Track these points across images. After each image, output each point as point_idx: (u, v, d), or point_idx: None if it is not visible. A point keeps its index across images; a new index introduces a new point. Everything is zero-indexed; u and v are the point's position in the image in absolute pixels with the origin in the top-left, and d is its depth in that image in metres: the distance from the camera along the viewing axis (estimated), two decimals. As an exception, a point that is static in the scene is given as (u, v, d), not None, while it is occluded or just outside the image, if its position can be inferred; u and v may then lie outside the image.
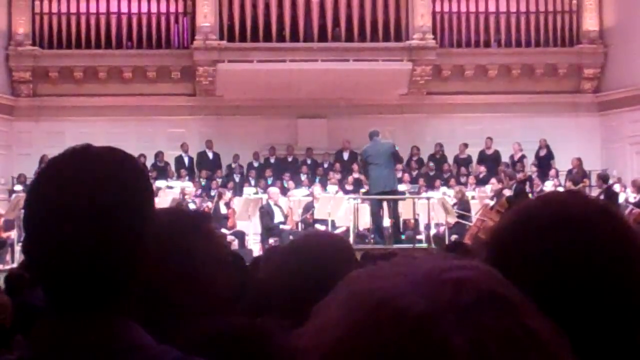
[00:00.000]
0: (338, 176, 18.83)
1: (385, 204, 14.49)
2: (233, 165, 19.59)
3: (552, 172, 18.74)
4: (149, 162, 19.04)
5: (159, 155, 19.31)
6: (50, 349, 1.26)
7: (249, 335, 2.37)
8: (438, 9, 20.37)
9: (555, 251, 1.22)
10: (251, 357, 1.81)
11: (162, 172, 18.93)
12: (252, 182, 18.76)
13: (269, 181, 18.69)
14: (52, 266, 1.28)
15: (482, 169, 19.17)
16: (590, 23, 20.50)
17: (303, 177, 18.88)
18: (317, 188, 16.97)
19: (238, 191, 17.83)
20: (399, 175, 17.20)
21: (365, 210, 15.14)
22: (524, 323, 0.72)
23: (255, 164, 19.66)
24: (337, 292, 0.76)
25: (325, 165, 19.74)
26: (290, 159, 20.00)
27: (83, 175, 1.30)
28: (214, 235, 1.92)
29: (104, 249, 1.27)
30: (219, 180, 18.66)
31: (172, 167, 19.36)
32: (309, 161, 19.90)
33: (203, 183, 18.50)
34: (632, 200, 15.90)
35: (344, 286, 0.76)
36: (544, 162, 19.37)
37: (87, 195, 1.28)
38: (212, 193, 17.91)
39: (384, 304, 0.71)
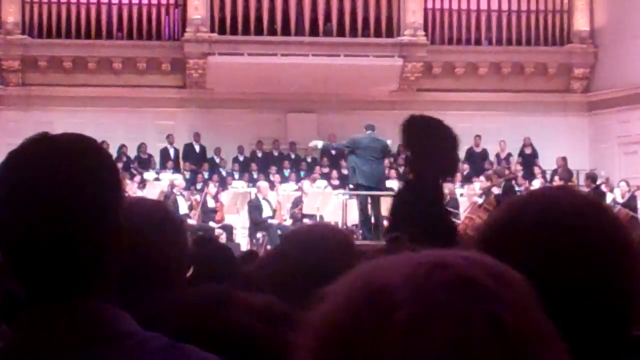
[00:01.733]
0: (326, 170, 18.80)
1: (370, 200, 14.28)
2: (216, 159, 19.53)
3: (537, 171, 18.80)
4: (131, 154, 19.00)
5: (141, 147, 19.24)
6: (35, 338, 1.25)
7: (209, 299, 2.39)
8: (430, 5, 20.38)
9: (545, 245, 1.21)
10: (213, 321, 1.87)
11: (145, 164, 18.86)
12: (237, 176, 18.70)
13: (255, 175, 18.66)
14: (25, 256, 1.27)
15: (466, 166, 19.21)
16: (581, 23, 20.55)
17: (286, 172, 18.86)
18: (306, 183, 16.95)
19: (223, 185, 17.77)
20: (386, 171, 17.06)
21: (354, 206, 15.07)
22: (493, 312, 0.70)
23: (241, 158, 19.62)
24: (339, 280, 0.77)
25: (309, 160, 19.71)
26: (276, 154, 19.96)
27: (48, 162, 1.29)
28: (174, 222, 2.02)
29: (76, 235, 1.26)
30: (205, 174, 18.61)
31: (157, 159, 19.28)
32: (292, 156, 19.87)
33: (187, 176, 18.42)
34: (619, 200, 15.96)
35: (344, 276, 0.77)
36: (529, 161, 19.42)
37: (54, 182, 1.27)
38: (199, 186, 17.87)
39: (366, 283, 0.73)
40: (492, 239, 1.27)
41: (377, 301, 0.70)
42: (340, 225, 14.73)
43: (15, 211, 1.27)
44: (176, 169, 18.68)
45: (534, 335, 0.71)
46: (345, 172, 18.30)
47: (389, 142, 14.32)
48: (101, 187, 1.31)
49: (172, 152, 19.52)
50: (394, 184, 16.78)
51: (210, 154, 19.66)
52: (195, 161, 19.19)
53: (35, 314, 1.27)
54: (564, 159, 18.87)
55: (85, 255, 1.27)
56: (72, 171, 1.29)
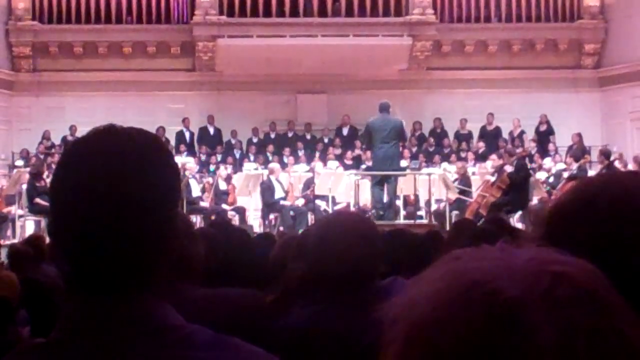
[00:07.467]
0: (338, 152, 18.80)
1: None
2: (233, 141, 19.58)
3: (551, 148, 18.75)
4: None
5: (158, 130, 19.21)
6: (83, 331, 1.26)
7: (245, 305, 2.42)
8: (438, -17, 20.28)
9: (615, 234, 1.19)
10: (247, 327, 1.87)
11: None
12: (252, 158, 18.75)
13: (269, 157, 18.69)
14: (81, 246, 1.26)
15: (481, 144, 19.18)
16: (591, -2, 20.43)
17: (300, 153, 18.87)
18: (318, 164, 16.95)
19: (238, 167, 17.84)
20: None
21: (366, 186, 15.04)
22: (618, 327, 0.71)
23: (255, 140, 19.65)
24: (435, 267, 0.76)
25: (326, 141, 19.73)
26: (290, 135, 19.98)
27: (111, 155, 1.28)
28: (181, 213, 1.94)
29: (135, 230, 1.26)
30: (219, 156, 18.64)
31: (173, 143, 19.31)
32: (308, 136, 19.89)
33: (203, 158, 18.48)
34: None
35: (442, 263, 0.76)
36: (544, 138, 19.36)
37: (116, 176, 1.26)
38: (212, 168, 17.91)
39: (477, 285, 0.71)
40: (560, 224, 1.24)
41: (510, 319, 0.69)
42: (352, 205, 14.73)
43: (75, 202, 1.27)
44: (191, 152, 18.72)
45: None
46: (358, 152, 18.36)
47: (397, 117, 14.07)
48: (164, 185, 1.30)
49: (187, 135, 19.57)
50: (405, 163, 16.77)
51: (226, 136, 19.70)
52: (210, 144, 19.23)
53: (84, 305, 1.28)
54: (579, 135, 18.75)
55: (140, 250, 1.27)
56: (136, 166, 1.28)
